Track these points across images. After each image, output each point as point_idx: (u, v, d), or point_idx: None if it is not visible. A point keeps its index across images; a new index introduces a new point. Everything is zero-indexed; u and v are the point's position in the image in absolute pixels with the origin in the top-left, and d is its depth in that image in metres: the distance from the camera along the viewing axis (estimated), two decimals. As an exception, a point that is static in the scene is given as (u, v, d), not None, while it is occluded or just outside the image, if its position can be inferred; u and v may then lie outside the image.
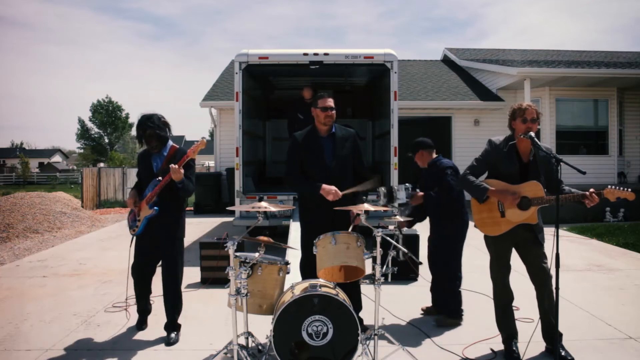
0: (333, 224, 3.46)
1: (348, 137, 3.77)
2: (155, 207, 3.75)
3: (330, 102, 3.69)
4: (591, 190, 3.15)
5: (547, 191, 3.28)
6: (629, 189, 3.06)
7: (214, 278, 5.25)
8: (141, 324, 4.02)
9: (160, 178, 3.75)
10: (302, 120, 5.20)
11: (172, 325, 3.86)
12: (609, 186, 3.13)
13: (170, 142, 3.90)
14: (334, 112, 3.69)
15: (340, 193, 3.53)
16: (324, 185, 3.54)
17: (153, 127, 3.72)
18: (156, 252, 3.90)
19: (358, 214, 3.35)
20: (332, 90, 9.59)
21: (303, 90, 6.97)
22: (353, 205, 3.36)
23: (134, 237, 3.92)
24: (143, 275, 3.95)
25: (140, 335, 3.87)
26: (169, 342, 3.71)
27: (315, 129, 3.74)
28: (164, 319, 3.87)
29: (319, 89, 10.32)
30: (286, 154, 3.83)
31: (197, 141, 3.74)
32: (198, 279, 5.36)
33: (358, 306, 3.80)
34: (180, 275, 3.93)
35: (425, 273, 5.56)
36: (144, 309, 4.07)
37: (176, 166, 3.57)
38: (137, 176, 4.16)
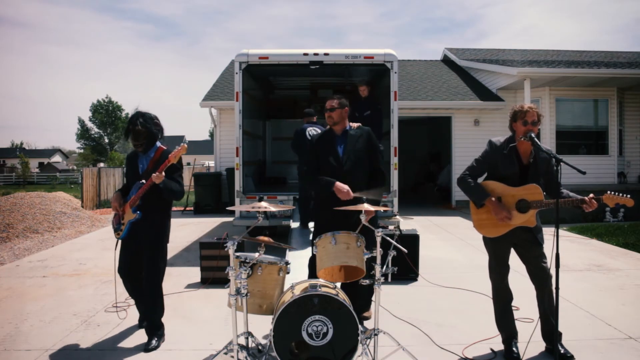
0: (345, 223, 3.43)
1: (361, 134, 3.89)
2: (138, 212, 3.65)
3: (330, 103, 3.83)
4: (590, 195, 3.15)
5: (546, 194, 3.28)
6: (628, 195, 3.06)
7: (214, 278, 5.25)
8: (143, 322, 3.99)
9: (143, 181, 3.65)
10: None
11: (151, 330, 3.71)
12: (608, 192, 3.13)
13: (158, 144, 3.79)
14: (331, 113, 3.80)
15: (352, 194, 3.56)
16: (338, 183, 3.61)
17: (144, 123, 3.63)
18: (141, 255, 3.77)
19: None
20: (332, 90, 9.60)
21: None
22: (352, 205, 3.36)
23: (119, 241, 3.80)
24: (129, 278, 3.83)
25: (140, 336, 3.86)
26: (147, 348, 3.56)
27: (331, 128, 3.92)
28: (164, 319, 3.85)
29: (319, 89, 10.35)
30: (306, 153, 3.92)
31: (178, 147, 3.63)
32: (198, 279, 5.36)
33: (365, 307, 3.84)
34: (160, 279, 3.79)
35: (425, 273, 5.57)
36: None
37: (157, 173, 3.51)
38: (125, 177, 4.12)
